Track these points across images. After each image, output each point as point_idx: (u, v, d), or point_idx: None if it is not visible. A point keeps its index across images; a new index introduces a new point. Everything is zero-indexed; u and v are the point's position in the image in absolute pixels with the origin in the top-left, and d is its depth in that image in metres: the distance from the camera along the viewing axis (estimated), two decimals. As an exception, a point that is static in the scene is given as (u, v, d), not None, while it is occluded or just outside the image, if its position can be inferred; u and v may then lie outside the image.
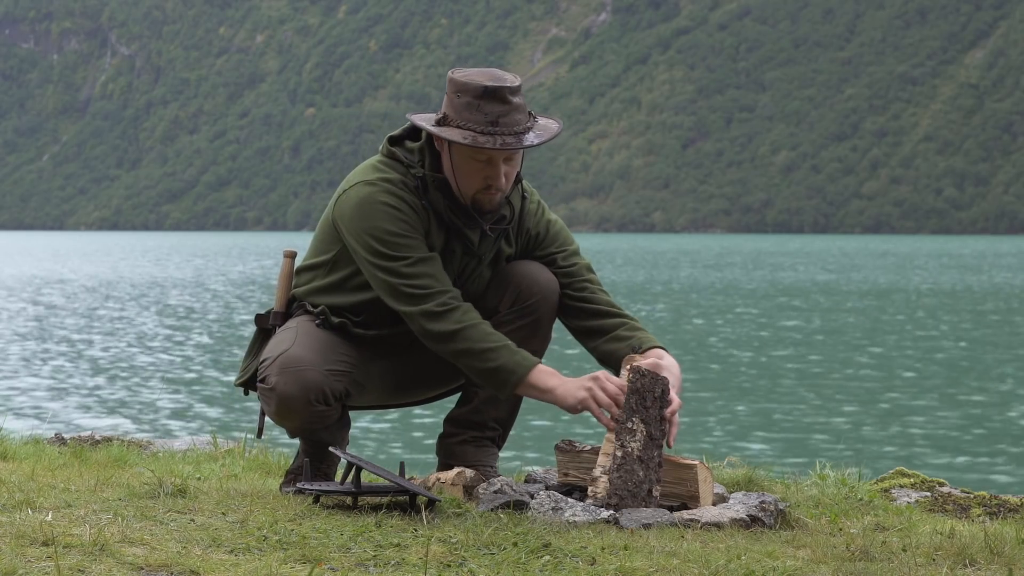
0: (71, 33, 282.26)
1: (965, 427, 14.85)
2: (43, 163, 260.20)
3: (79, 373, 19.92)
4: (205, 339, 25.89)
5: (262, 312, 4.57)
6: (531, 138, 4.27)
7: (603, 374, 4.25)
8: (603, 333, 4.45)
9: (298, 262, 4.59)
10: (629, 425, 4.19)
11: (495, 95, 4.23)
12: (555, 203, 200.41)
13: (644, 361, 4.26)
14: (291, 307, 4.54)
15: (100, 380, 19.05)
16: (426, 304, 4.25)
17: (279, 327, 4.49)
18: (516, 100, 4.26)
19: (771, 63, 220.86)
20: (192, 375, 19.81)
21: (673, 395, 4.25)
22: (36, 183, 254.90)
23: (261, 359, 4.39)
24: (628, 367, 4.24)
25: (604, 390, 4.21)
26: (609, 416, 4.21)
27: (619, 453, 4.17)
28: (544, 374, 4.25)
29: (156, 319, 31.02)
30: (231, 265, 69.00)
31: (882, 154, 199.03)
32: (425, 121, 4.32)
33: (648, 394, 4.22)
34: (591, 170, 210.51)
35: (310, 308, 4.45)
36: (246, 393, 4.60)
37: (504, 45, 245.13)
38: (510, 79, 4.28)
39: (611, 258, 79.75)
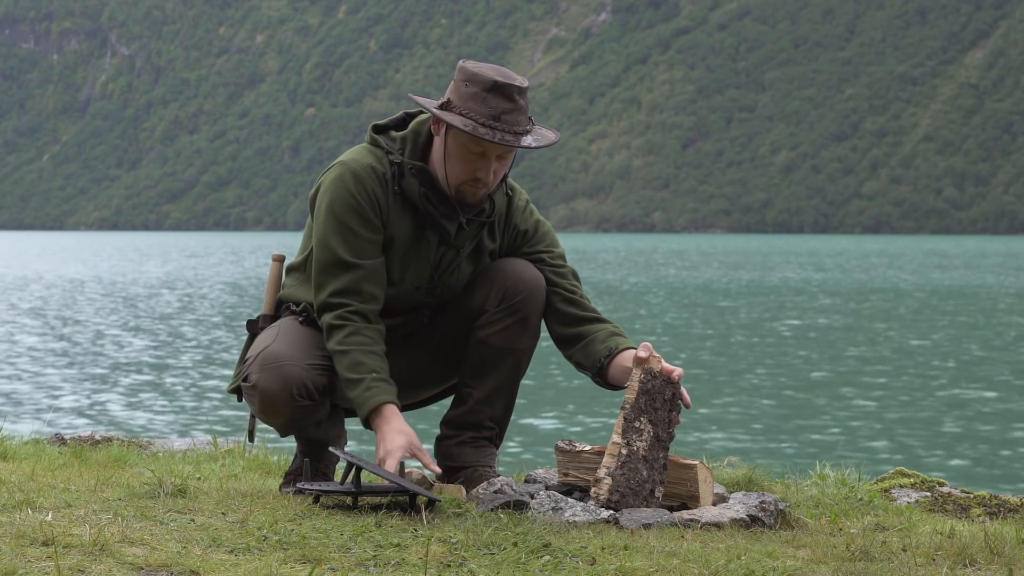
0: (71, 33, 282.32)
1: (965, 427, 14.85)
2: (43, 163, 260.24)
3: (79, 373, 19.93)
4: (205, 339, 25.90)
5: (253, 317, 4.60)
6: (529, 140, 4.30)
7: (408, 447, 4.22)
8: (584, 338, 4.47)
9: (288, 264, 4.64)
10: (637, 424, 4.21)
11: (503, 91, 4.26)
12: (555, 203, 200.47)
13: (659, 364, 4.27)
14: (279, 310, 4.57)
15: (100, 380, 19.05)
16: (327, 316, 4.34)
17: None
18: (521, 102, 4.29)
19: (771, 63, 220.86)
20: (191, 375, 19.82)
21: (668, 365, 4.29)
22: (36, 183, 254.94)
23: (246, 358, 4.43)
24: (640, 368, 4.25)
25: (381, 462, 4.20)
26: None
27: (624, 451, 4.19)
28: (380, 418, 4.24)
29: (155, 319, 31.03)
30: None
31: (882, 154, 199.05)
32: (427, 104, 4.35)
33: (658, 396, 4.25)
34: (591, 170, 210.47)
35: (293, 308, 4.49)
36: (239, 399, 4.61)
37: (504, 45, 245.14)
38: (519, 80, 4.32)
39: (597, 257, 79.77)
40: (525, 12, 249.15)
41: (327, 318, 4.33)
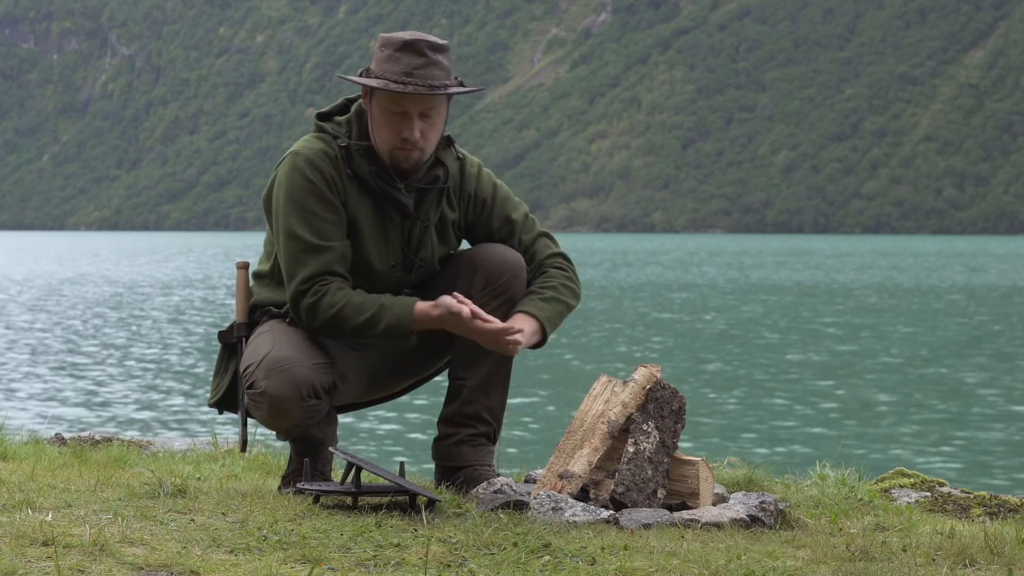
0: (71, 33, 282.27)
1: (966, 427, 14.85)
2: (43, 163, 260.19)
3: (80, 374, 19.93)
4: (202, 339, 25.90)
5: (224, 328, 4.59)
6: (445, 89, 4.37)
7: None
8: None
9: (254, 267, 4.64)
10: (644, 428, 4.30)
11: (412, 48, 4.37)
12: (555, 203, 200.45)
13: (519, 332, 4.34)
14: (253, 315, 4.56)
15: (99, 380, 19.05)
16: (305, 300, 4.37)
17: (246, 337, 4.51)
18: (436, 57, 4.39)
19: (771, 63, 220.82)
20: (190, 376, 19.82)
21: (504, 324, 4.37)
22: (36, 183, 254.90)
23: (244, 366, 4.40)
24: (649, 372, 4.32)
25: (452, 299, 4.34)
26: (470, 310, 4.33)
27: (631, 449, 4.25)
28: (424, 311, 4.35)
29: (154, 321, 31.03)
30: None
31: (882, 154, 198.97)
32: (352, 77, 4.46)
33: (666, 405, 4.35)
34: (591, 170, 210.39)
35: (274, 311, 4.48)
36: (220, 412, 4.61)
37: (504, 45, 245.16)
38: (434, 38, 4.43)
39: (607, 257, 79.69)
40: (525, 12, 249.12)
41: (305, 301, 4.36)
